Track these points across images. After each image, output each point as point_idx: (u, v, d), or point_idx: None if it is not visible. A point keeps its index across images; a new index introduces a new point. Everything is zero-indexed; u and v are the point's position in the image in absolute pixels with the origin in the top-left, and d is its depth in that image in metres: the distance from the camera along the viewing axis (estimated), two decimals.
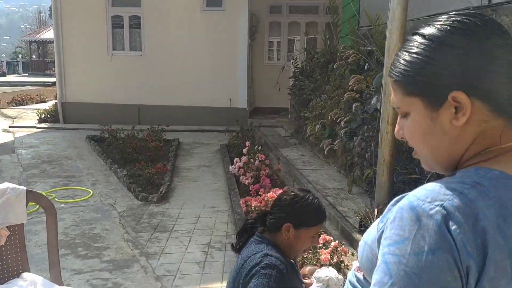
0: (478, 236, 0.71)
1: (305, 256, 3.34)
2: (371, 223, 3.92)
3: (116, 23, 11.81)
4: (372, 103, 5.18)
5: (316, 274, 2.10)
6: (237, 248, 2.01)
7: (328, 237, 3.53)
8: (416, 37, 0.87)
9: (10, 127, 11.71)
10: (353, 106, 5.75)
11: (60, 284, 2.55)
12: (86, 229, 4.81)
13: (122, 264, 4.00)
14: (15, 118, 13.39)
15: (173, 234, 4.76)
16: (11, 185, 2.40)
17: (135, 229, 4.86)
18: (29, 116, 13.47)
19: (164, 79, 11.55)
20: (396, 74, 0.88)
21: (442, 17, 0.86)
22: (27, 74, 33.35)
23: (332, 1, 8.17)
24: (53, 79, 19.77)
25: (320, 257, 3.24)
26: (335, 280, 2.09)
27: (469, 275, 0.71)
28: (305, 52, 9.29)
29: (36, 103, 16.72)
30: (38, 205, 4.04)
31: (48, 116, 12.09)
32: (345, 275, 2.99)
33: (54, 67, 16.12)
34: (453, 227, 0.72)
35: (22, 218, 2.43)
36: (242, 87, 11.86)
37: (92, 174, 7.11)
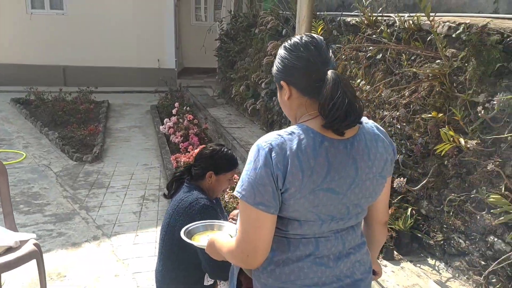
0: (285, 160, 1.31)
1: (227, 200, 3.98)
2: None
3: None
4: None
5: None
6: (170, 195, 2.53)
7: None
8: (278, 53, 1.48)
9: None
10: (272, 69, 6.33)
11: (15, 230, 2.96)
12: (25, 189, 5.09)
13: (64, 217, 4.40)
14: None
15: (110, 190, 5.18)
16: None
17: (72, 186, 5.22)
18: None
19: (89, 39, 11.37)
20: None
21: (289, 38, 1.45)
22: None
23: None
24: None
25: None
26: None
27: (278, 180, 1.31)
28: (231, 15, 9.65)
29: None
30: None
31: None
32: None
33: None
34: (273, 155, 1.31)
35: None
36: (170, 47, 12.00)
37: (22, 137, 7.19)
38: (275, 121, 6.68)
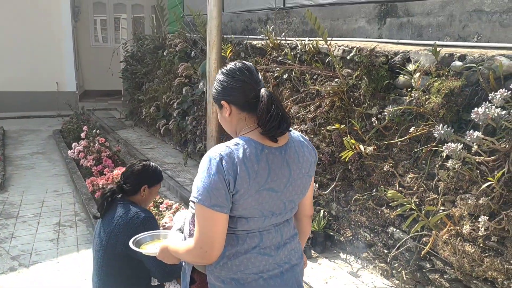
0: (234, 167, 1.56)
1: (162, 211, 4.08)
2: None
3: None
4: (199, 87, 6.04)
5: (175, 219, 2.89)
6: (102, 215, 2.62)
7: (170, 201, 4.31)
8: (216, 77, 1.73)
9: None
10: (184, 89, 6.54)
11: None
12: None
13: None
14: None
15: (20, 219, 4.95)
16: None
17: None
18: None
19: None
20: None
21: (225, 65, 1.71)
22: None
23: None
24: None
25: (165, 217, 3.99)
26: (190, 215, 2.92)
27: (230, 183, 1.55)
28: (133, 38, 9.68)
29: None
30: None
31: None
32: None
33: None
34: (224, 163, 1.55)
35: None
36: (69, 69, 11.60)
37: None
38: (189, 140, 6.86)
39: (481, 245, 2.72)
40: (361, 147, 3.49)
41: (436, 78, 3.04)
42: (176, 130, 7.19)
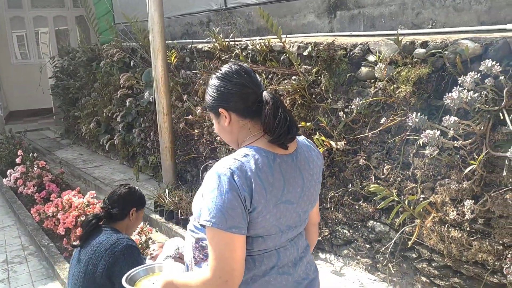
0: (248, 181, 1.38)
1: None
2: (165, 202, 4.55)
3: None
4: (145, 97, 5.72)
5: (165, 247, 2.66)
6: (82, 243, 2.37)
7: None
8: (208, 83, 1.54)
9: None
10: (127, 101, 6.18)
11: None
12: None
13: None
14: None
15: None
16: None
17: None
18: None
19: None
20: (205, 103, 1.58)
21: (218, 68, 1.53)
22: None
23: None
24: None
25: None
26: (182, 243, 2.69)
27: (246, 200, 1.38)
28: (59, 52, 9.07)
29: None
30: None
31: None
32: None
33: None
34: (236, 178, 1.37)
35: None
36: None
37: None
38: (137, 153, 6.50)
39: (467, 229, 2.73)
40: (332, 143, 3.42)
41: (403, 67, 3.02)
42: (121, 145, 6.78)
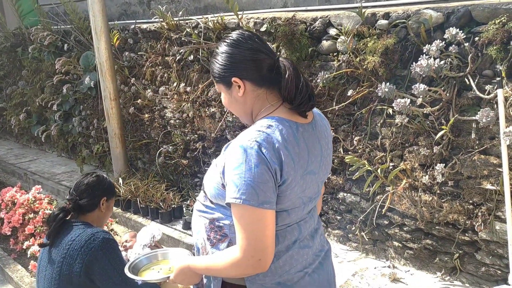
0: (277, 152, 1.30)
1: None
2: (121, 191, 4.32)
3: None
4: (85, 82, 5.34)
5: (139, 235, 2.49)
6: (51, 242, 2.15)
7: None
8: (215, 51, 1.43)
9: None
10: (64, 88, 5.74)
11: None
12: None
13: None
14: None
15: None
16: None
17: None
18: None
19: None
20: (211, 72, 1.46)
21: (227, 35, 1.42)
22: None
23: None
24: None
25: None
26: (158, 232, 2.54)
27: (276, 173, 1.30)
28: None
29: None
30: None
31: None
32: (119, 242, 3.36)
33: None
34: (264, 151, 1.29)
35: None
36: None
37: None
38: (79, 143, 6.09)
39: (438, 192, 2.85)
40: None
41: (368, 38, 3.06)
42: (59, 136, 6.32)
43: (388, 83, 2.86)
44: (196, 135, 4.48)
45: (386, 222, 3.18)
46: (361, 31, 3.09)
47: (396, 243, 3.15)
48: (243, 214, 1.28)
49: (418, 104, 2.78)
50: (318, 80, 3.30)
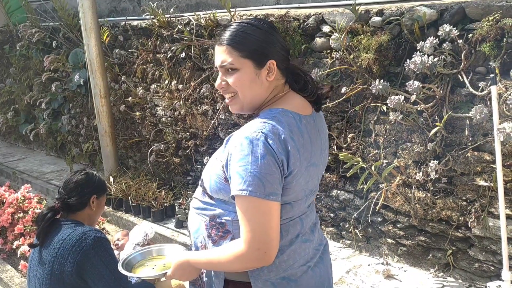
0: (283, 143, 1.29)
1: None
2: (111, 190, 4.28)
3: None
4: (75, 80, 5.27)
5: (131, 233, 2.45)
6: (42, 242, 2.10)
7: None
8: (247, 25, 1.36)
9: None
10: (53, 86, 5.66)
11: None
12: None
13: None
14: None
15: None
16: None
17: None
18: None
19: None
20: (235, 43, 1.34)
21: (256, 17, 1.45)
22: None
23: None
24: None
25: None
26: (150, 230, 2.51)
27: (283, 164, 1.29)
28: None
29: None
30: None
31: None
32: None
33: None
34: (270, 142, 1.27)
35: None
36: None
37: None
38: (68, 142, 6.01)
39: (431, 188, 2.86)
40: None
41: (362, 35, 3.05)
42: (48, 134, 6.24)
43: (382, 80, 2.86)
44: (188, 133, 4.44)
45: (379, 219, 3.18)
46: (354, 28, 3.09)
47: (389, 240, 3.16)
48: (248, 206, 1.27)
49: (412, 101, 2.79)
50: (313, 77, 3.28)
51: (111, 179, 4.50)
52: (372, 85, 2.87)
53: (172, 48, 4.36)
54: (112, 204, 4.37)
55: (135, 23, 4.89)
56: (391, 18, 2.95)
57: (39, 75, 6.01)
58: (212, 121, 4.14)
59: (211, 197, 1.44)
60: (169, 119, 4.59)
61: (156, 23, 4.51)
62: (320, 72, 3.24)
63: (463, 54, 2.65)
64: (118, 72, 5.00)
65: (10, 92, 6.84)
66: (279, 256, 1.37)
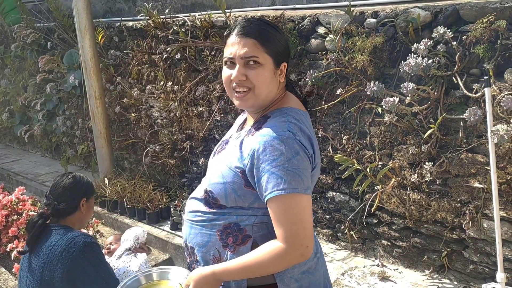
0: (308, 139, 1.34)
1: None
2: (107, 192, 4.26)
3: None
4: (70, 81, 5.25)
5: (123, 237, 2.43)
6: (32, 248, 2.09)
7: None
8: (270, 25, 1.41)
9: None
10: (48, 86, 5.64)
11: None
12: None
13: None
14: None
15: None
16: None
17: None
18: None
19: None
20: (264, 39, 1.36)
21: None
22: None
23: None
24: None
25: None
26: (142, 233, 2.49)
27: (311, 159, 1.34)
28: None
29: None
30: None
31: None
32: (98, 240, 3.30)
33: None
34: (298, 139, 1.30)
35: None
36: None
37: None
38: (63, 143, 5.99)
39: (426, 190, 2.86)
40: None
41: (357, 37, 3.05)
42: (42, 135, 6.21)
43: (377, 82, 2.86)
44: (184, 135, 4.43)
45: (375, 221, 3.18)
46: (349, 29, 3.09)
47: (385, 242, 3.16)
48: (290, 203, 1.28)
49: (406, 103, 2.79)
50: (307, 79, 3.28)
51: (106, 180, 4.48)
52: (367, 87, 2.87)
53: (167, 49, 4.35)
54: (107, 206, 4.36)
55: (130, 23, 4.88)
56: (385, 20, 2.95)
57: (34, 76, 5.99)
58: (208, 123, 4.13)
59: (222, 207, 1.42)
60: (164, 120, 4.58)
61: (152, 24, 4.49)
62: (315, 74, 3.24)
63: (457, 56, 2.65)
64: (113, 73, 4.98)
65: (5, 93, 6.81)
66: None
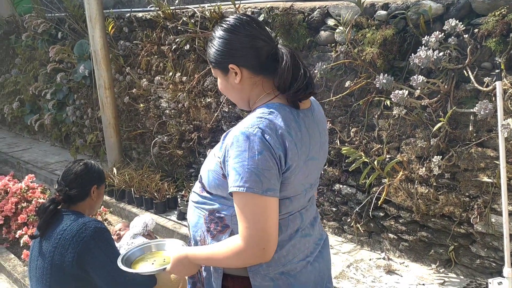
0: (280, 139, 1.28)
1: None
2: (115, 181, 4.29)
3: None
4: (80, 71, 5.28)
5: (132, 224, 2.46)
6: (42, 233, 2.11)
7: None
8: (211, 35, 1.40)
9: None
10: (58, 76, 5.68)
11: None
12: None
13: None
14: None
15: None
16: None
17: None
18: None
19: None
20: (207, 57, 1.43)
21: (224, 19, 1.39)
22: None
23: None
24: None
25: None
26: (151, 221, 2.52)
27: (281, 160, 1.28)
28: None
29: None
30: None
31: None
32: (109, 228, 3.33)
33: None
34: (267, 137, 1.26)
35: None
36: None
37: None
38: (72, 133, 6.03)
39: (434, 184, 2.85)
40: None
41: (367, 29, 3.03)
42: (53, 125, 6.26)
43: (386, 75, 2.84)
44: (192, 126, 4.44)
45: (381, 214, 3.17)
46: (359, 21, 3.07)
47: (391, 235, 3.15)
48: (246, 202, 1.26)
49: (416, 96, 2.77)
50: (316, 71, 3.27)
51: (114, 170, 4.52)
52: (376, 79, 2.85)
53: (176, 40, 4.35)
54: (115, 195, 4.39)
55: (140, 14, 4.89)
56: (396, 12, 2.93)
57: (45, 65, 6.03)
58: (216, 114, 4.14)
59: (209, 193, 1.44)
60: (172, 111, 4.59)
61: (161, 15, 4.50)
62: (324, 66, 3.23)
63: (468, 49, 2.62)
64: (123, 63, 5.00)
65: (16, 82, 6.86)
66: (278, 251, 1.37)
